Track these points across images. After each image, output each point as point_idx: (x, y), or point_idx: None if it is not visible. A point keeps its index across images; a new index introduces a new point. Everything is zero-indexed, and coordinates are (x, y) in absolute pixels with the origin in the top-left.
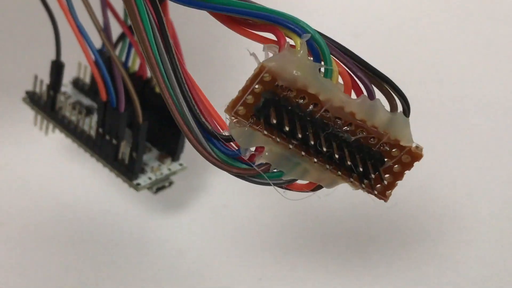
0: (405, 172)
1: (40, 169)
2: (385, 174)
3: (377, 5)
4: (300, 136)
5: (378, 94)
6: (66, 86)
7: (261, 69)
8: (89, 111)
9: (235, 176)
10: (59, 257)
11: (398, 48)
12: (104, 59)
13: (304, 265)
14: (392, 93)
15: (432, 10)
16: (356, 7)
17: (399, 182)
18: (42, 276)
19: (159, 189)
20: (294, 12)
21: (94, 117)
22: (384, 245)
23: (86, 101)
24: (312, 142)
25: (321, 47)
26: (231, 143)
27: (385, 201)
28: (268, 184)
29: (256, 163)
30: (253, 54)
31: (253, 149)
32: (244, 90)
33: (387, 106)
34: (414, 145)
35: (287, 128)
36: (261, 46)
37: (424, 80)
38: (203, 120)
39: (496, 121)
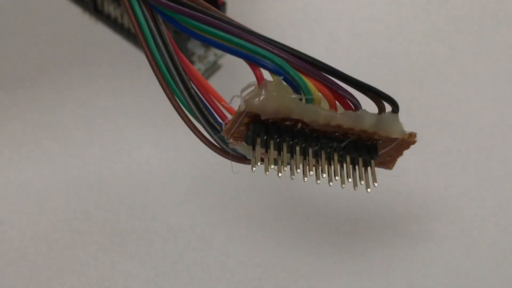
0: (404, 151)
1: None
2: (387, 157)
3: (377, 5)
4: (287, 168)
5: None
6: None
7: (242, 111)
8: None
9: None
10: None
11: (398, 48)
12: None
13: (304, 265)
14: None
15: (432, 10)
16: (356, 7)
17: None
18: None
19: (209, 75)
20: (294, 12)
21: None
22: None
23: None
24: (299, 170)
25: (297, 82)
26: None
27: (390, 169)
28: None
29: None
30: (234, 98)
31: None
32: (233, 122)
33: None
34: (407, 134)
35: (274, 157)
36: None
37: (424, 80)
38: (206, 113)
39: (496, 121)
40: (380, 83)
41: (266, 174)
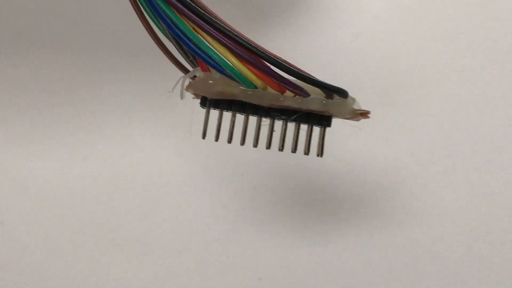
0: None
1: None
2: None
3: (377, 5)
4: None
5: None
6: None
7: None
8: None
9: None
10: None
11: (398, 48)
12: None
13: (304, 265)
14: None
15: (432, 10)
16: (356, 7)
17: None
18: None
19: None
20: (293, 11)
21: None
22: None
23: None
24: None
25: (235, 79)
26: None
27: (358, 121)
28: None
29: None
30: (175, 86)
31: None
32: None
33: None
34: (358, 113)
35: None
36: None
37: (424, 80)
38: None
39: (496, 121)
40: (380, 82)
41: (215, 141)
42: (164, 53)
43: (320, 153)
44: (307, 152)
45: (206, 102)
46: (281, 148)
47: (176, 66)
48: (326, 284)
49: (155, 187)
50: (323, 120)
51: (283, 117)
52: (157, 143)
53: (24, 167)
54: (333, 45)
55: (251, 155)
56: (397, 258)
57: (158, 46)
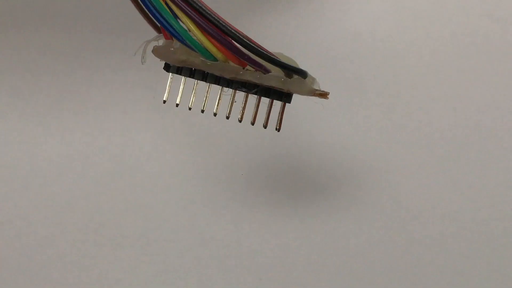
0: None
1: None
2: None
3: (377, 5)
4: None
5: None
6: None
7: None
8: None
9: None
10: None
11: (398, 48)
12: None
13: (304, 265)
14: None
15: (433, 10)
16: (356, 7)
17: None
18: None
19: None
20: (293, 11)
21: None
22: None
23: None
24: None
25: (194, 50)
26: None
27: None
28: None
29: None
30: (139, 50)
31: None
32: None
33: None
34: (317, 93)
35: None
36: None
37: (424, 80)
38: None
39: (496, 121)
40: (380, 83)
41: (176, 106)
42: (139, 11)
43: (278, 127)
44: (265, 125)
45: (169, 68)
46: (240, 119)
47: (150, 25)
48: (326, 284)
49: (155, 187)
50: (284, 96)
51: (244, 89)
52: (157, 144)
53: (23, 167)
54: (333, 45)
55: (251, 155)
56: (397, 258)
57: (133, 3)
